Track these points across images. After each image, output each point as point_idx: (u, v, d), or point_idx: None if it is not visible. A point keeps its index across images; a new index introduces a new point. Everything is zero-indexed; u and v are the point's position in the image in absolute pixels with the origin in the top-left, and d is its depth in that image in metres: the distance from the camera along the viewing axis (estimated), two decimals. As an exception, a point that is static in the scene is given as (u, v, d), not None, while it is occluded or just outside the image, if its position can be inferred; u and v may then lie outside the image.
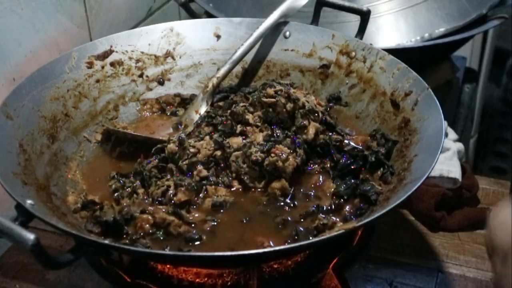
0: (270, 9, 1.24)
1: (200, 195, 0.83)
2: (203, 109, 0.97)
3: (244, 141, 0.88)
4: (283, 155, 0.84)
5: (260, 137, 0.88)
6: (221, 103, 0.98)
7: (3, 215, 0.62)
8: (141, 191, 0.83)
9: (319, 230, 0.77)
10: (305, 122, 0.90)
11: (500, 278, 0.64)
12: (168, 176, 0.84)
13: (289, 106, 0.91)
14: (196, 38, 1.05)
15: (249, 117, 0.92)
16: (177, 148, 0.86)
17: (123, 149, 0.93)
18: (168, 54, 1.04)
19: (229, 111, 0.93)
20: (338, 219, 0.80)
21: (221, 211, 0.81)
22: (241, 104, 0.94)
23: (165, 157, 0.87)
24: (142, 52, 1.02)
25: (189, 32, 1.05)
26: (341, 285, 0.79)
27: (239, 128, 0.90)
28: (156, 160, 0.87)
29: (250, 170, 0.84)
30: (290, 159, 0.84)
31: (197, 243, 0.77)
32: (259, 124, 0.91)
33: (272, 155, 0.84)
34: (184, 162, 0.85)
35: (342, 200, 0.83)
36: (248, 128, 0.91)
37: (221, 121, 0.92)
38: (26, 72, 0.91)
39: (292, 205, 0.83)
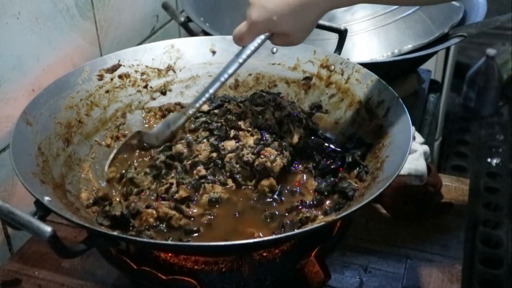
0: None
1: (199, 191, 0.82)
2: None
3: (237, 144, 0.88)
4: (272, 156, 0.84)
5: (251, 141, 0.88)
6: (216, 111, 0.98)
7: (23, 210, 0.62)
8: (146, 184, 0.83)
9: (303, 222, 0.78)
10: (291, 127, 0.90)
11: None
12: (172, 174, 0.84)
13: (277, 113, 0.91)
14: (194, 53, 1.05)
15: (241, 123, 0.92)
16: (185, 149, 0.86)
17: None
18: (169, 68, 1.03)
19: (223, 118, 0.93)
20: (319, 213, 0.81)
21: (217, 206, 0.81)
22: (234, 111, 0.94)
23: (172, 155, 0.87)
24: (147, 66, 1.02)
25: (188, 48, 1.05)
26: (322, 271, 0.79)
27: (232, 132, 0.90)
28: (164, 156, 0.87)
29: (242, 170, 0.84)
30: (278, 160, 0.84)
31: (195, 234, 0.77)
32: (249, 129, 0.91)
33: (262, 156, 0.84)
34: (188, 162, 0.85)
35: (323, 196, 0.83)
36: (241, 132, 0.91)
37: (216, 127, 0.91)
38: (44, 84, 0.91)
39: (279, 200, 0.83)
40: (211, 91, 0.88)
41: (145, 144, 0.89)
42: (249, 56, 0.87)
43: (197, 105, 0.89)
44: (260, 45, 0.86)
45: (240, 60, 0.86)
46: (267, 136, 0.89)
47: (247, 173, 0.84)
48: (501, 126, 2.61)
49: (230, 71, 0.87)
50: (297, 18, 0.80)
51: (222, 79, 0.87)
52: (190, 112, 0.89)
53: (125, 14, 1.23)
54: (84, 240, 0.67)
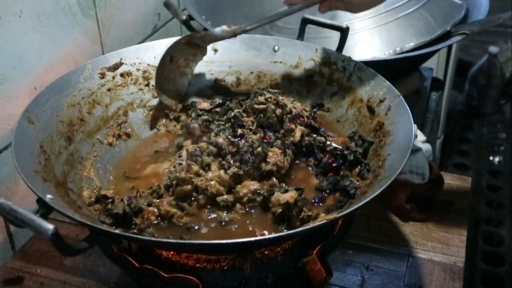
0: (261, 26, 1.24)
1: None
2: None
3: (240, 142, 0.87)
4: (278, 157, 0.84)
5: (254, 139, 0.87)
6: (218, 109, 0.97)
7: (26, 208, 0.62)
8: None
9: (305, 220, 0.77)
10: (292, 125, 0.90)
11: None
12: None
13: (278, 111, 0.91)
14: (196, 51, 1.05)
15: (246, 119, 0.92)
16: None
17: None
18: (171, 66, 1.03)
19: (225, 116, 0.93)
20: (321, 211, 0.80)
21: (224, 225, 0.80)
22: (236, 110, 0.94)
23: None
24: (148, 64, 1.02)
25: (189, 47, 1.05)
26: (324, 269, 0.79)
27: (239, 131, 0.90)
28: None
29: (252, 166, 0.83)
30: (285, 163, 0.84)
31: (197, 232, 0.77)
32: (252, 128, 0.91)
33: (270, 159, 0.83)
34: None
35: (324, 194, 0.83)
36: (244, 130, 0.90)
37: (218, 125, 0.91)
38: (46, 82, 0.91)
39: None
40: (260, 22, 0.95)
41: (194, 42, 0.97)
42: (299, 10, 0.95)
43: (243, 27, 0.95)
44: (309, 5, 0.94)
45: (293, 9, 0.94)
46: (271, 134, 0.89)
47: (251, 169, 0.84)
48: (503, 124, 2.61)
49: (282, 14, 0.95)
50: None
51: (273, 18, 0.96)
52: (237, 30, 0.95)
53: (127, 12, 1.23)
54: (86, 238, 0.67)
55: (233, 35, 0.96)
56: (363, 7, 0.92)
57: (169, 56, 0.97)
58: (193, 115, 0.96)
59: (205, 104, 0.98)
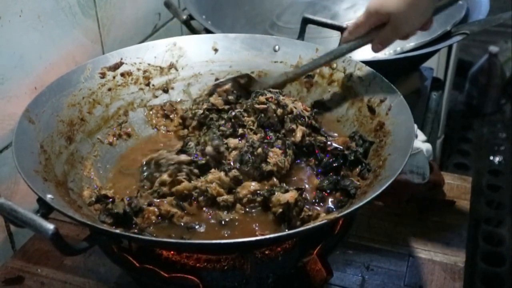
0: (261, 26, 1.24)
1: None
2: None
3: (242, 141, 0.87)
4: (280, 158, 0.84)
5: (255, 139, 0.88)
6: (226, 107, 0.97)
7: (26, 208, 0.62)
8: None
9: (305, 220, 0.77)
10: (293, 126, 0.90)
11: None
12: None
13: (279, 111, 0.91)
14: (196, 51, 1.05)
15: (245, 119, 0.91)
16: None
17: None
18: (171, 66, 1.03)
19: (226, 115, 0.93)
20: (321, 211, 0.81)
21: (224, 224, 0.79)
22: (237, 110, 0.94)
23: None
24: (149, 64, 1.02)
25: (190, 46, 1.05)
26: (324, 269, 0.79)
27: (240, 131, 0.90)
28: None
29: (252, 166, 0.83)
30: (285, 163, 0.84)
31: (197, 231, 0.77)
32: (253, 127, 0.91)
33: (270, 158, 0.83)
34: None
35: (325, 193, 0.83)
36: (245, 130, 0.90)
37: (219, 125, 0.91)
38: (46, 82, 0.91)
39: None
40: (310, 65, 0.98)
41: (250, 88, 0.98)
42: (351, 50, 0.94)
43: (295, 70, 0.99)
44: (361, 45, 0.94)
45: (345, 49, 0.94)
46: (271, 134, 0.89)
47: (252, 169, 0.84)
48: (504, 124, 2.61)
49: (330, 56, 0.96)
50: (410, 7, 0.87)
51: (322, 61, 0.97)
52: (291, 74, 0.99)
53: (127, 12, 1.23)
54: (86, 238, 0.67)
55: (286, 80, 1.00)
56: (412, 33, 0.93)
57: (226, 95, 0.98)
58: (205, 106, 0.96)
59: (219, 101, 0.97)
